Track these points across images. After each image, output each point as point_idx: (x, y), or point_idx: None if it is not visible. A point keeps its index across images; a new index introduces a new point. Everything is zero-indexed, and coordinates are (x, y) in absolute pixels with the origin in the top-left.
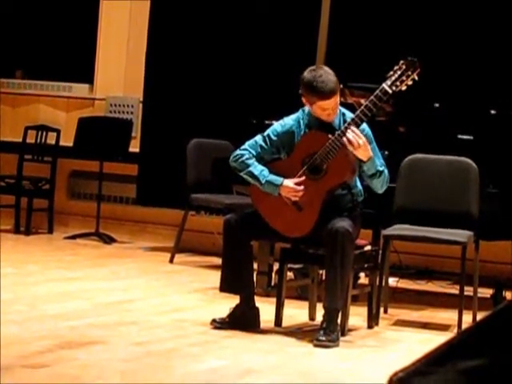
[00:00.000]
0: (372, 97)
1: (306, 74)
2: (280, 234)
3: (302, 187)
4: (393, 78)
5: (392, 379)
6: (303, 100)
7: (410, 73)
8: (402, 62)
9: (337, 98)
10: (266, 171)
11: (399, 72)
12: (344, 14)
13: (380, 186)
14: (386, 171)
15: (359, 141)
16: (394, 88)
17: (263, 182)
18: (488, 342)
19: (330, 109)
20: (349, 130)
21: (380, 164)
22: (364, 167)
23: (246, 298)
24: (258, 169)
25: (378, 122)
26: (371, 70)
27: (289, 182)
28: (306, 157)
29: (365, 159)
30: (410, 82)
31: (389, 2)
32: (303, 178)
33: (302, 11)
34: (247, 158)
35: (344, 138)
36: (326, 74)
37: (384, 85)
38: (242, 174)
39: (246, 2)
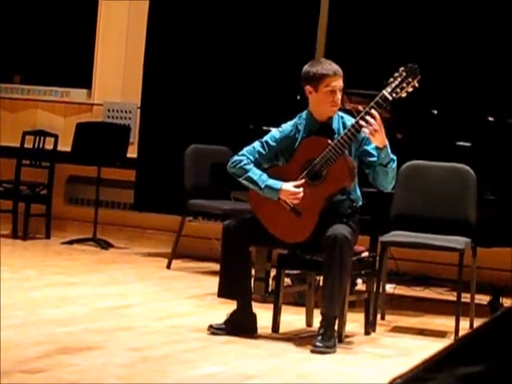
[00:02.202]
0: (372, 103)
1: (308, 64)
2: (279, 239)
3: (301, 190)
4: (393, 85)
5: None
6: (307, 91)
7: (410, 80)
8: (402, 68)
9: (341, 83)
10: (264, 176)
11: (399, 79)
12: (342, 21)
13: (391, 178)
14: (396, 164)
15: (377, 125)
16: (394, 95)
17: (262, 186)
18: (486, 348)
19: (337, 90)
20: (370, 114)
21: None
22: (381, 155)
23: (244, 304)
24: (256, 174)
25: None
26: (369, 76)
27: (288, 186)
28: (306, 162)
29: (381, 145)
30: (410, 89)
31: (387, 8)
32: (302, 182)
33: (300, 18)
34: (245, 164)
35: (361, 121)
36: (329, 61)
37: (384, 91)
38: (240, 179)
39: (244, 9)
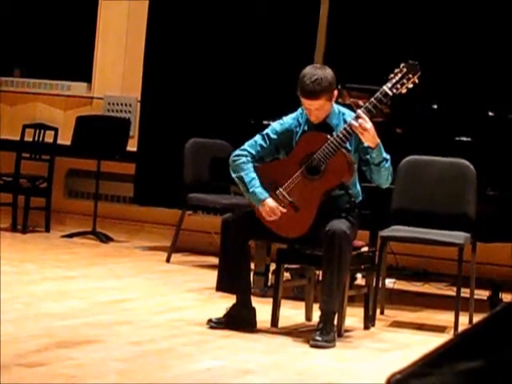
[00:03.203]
0: (372, 99)
1: (306, 69)
2: (277, 234)
3: (282, 210)
4: (393, 81)
5: (390, 381)
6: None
7: (410, 76)
8: (402, 64)
9: (319, 103)
10: (256, 181)
11: (400, 75)
12: (342, 15)
13: (386, 177)
14: (390, 163)
15: (366, 125)
16: (394, 90)
17: (250, 190)
18: (485, 344)
19: (313, 109)
20: (356, 114)
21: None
22: (373, 154)
23: (243, 298)
24: (249, 176)
25: (375, 123)
26: (369, 71)
27: (272, 202)
28: (305, 157)
29: (373, 145)
30: (410, 85)
31: (387, 3)
32: (299, 177)
33: (300, 12)
34: (243, 162)
35: (352, 121)
36: (319, 76)
37: (385, 87)
38: (234, 175)
39: (245, 3)
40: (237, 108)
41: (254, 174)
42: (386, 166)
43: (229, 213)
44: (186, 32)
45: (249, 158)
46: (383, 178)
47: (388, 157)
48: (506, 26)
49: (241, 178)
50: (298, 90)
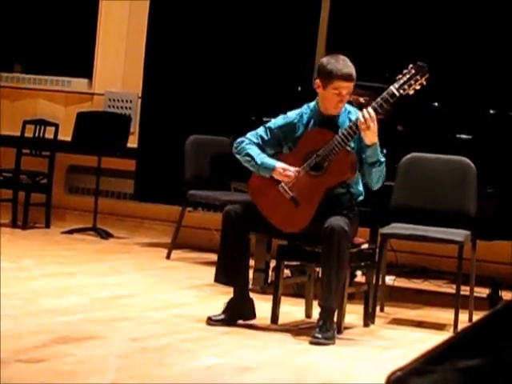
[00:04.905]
0: (379, 99)
1: (327, 57)
2: (278, 228)
3: (294, 169)
4: (401, 82)
5: (391, 378)
6: (316, 85)
7: (418, 77)
8: (411, 65)
9: (351, 87)
10: (263, 155)
11: (408, 76)
12: (343, 13)
13: (377, 179)
14: (384, 166)
15: (370, 123)
16: (401, 91)
17: (259, 162)
18: (486, 341)
19: (345, 94)
20: (365, 110)
21: (382, 155)
22: (367, 152)
23: (241, 291)
24: (255, 151)
25: (376, 120)
26: (370, 68)
27: (282, 165)
28: (309, 153)
29: (369, 143)
30: (417, 87)
31: (388, 3)
32: (301, 169)
33: (301, 9)
34: (247, 143)
35: (360, 116)
36: (348, 61)
37: (392, 87)
38: (240, 157)
39: (245, 1)
40: (237, 104)
41: (259, 150)
42: (379, 168)
43: (231, 204)
44: (186, 28)
45: (251, 141)
46: (374, 179)
47: (383, 159)
48: (506, 25)
49: (247, 155)
50: (332, 75)
